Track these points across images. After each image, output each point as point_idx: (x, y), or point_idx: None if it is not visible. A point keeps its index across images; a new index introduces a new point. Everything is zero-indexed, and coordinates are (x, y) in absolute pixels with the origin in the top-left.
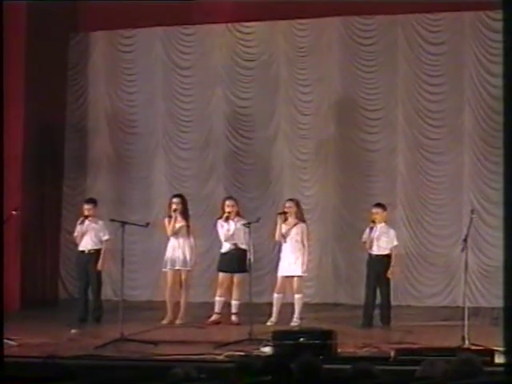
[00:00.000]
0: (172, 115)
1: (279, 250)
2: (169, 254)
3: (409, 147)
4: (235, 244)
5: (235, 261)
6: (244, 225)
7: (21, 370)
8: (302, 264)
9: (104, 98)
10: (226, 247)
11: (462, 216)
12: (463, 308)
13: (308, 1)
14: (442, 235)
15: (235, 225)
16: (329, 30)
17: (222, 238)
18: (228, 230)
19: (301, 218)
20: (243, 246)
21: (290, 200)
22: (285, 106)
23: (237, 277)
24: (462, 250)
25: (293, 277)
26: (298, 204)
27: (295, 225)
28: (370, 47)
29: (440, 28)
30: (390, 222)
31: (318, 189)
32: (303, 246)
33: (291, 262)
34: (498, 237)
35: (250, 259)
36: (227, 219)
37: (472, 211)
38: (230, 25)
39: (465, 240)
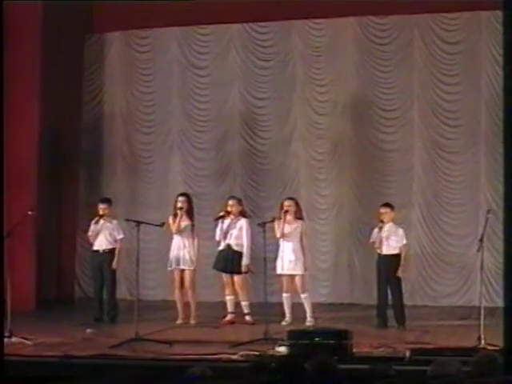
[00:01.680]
0: (188, 115)
1: (277, 249)
2: (173, 253)
3: (425, 147)
4: (228, 245)
5: (228, 261)
6: (258, 224)
7: (36, 370)
8: (303, 262)
9: (120, 97)
10: (221, 246)
11: (479, 215)
12: (479, 308)
13: (324, 1)
14: (458, 235)
15: (232, 225)
16: (344, 29)
17: (216, 237)
18: (221, 230)
19: (300, 216)
20: (236, 248)
21: (290, 199)
22: (301, 105)
23: (236, 278)
24: (478, 249)
25: (294, 276)
26: (297, 203)
27: (295, 223)
28: (385, 47)
29: (456, 27)
30: (406, 222)
31: (334, 188)
32: (302, 244)
33: (291, 260)
34: None
35: (265, 258)
36: (221, 218)
37: (488, 211)
38: (245, 24)
39: (481, 240)
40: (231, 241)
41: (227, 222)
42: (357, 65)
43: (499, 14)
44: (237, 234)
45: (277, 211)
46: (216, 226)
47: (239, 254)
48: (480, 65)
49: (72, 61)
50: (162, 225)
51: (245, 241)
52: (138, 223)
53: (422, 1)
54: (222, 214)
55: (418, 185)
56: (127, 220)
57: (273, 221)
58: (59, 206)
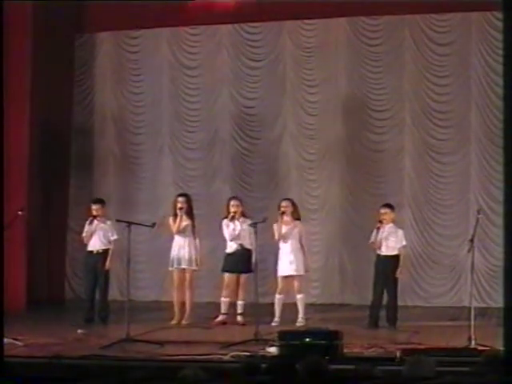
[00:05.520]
0: (178, 115)
1: (277, 251)
2: (174, 252)
3: (416, 147)
4: (241, 244)
5: (241, 261)
6: (250, 225)
7: (26, 370)
8: (303, 263)
9: (110, 98)
10: (231, 247)
11: (469, 216)
12: (470, 308)
13: (315, 1)
14: (448, 235)
15: (241, 225)
16: (335, 30)
17: (228, 237)
18: (234, 230)
19: (297, 216)
20: (249, 247)
21: (286, 200)
22: (291, 106)
23: (243, 277)
24: (469, 250)
25: (293, 276)
26: (293, 203)
27: (293, 224)
28: (376, 47)
29: (447, 28)
30: (397, 223)
31: (325, 189)
32: (301, 244)
33: (292, 261)
34: None
35: (256, 259)
36: (233, 219)
37: (478, 211)
38: (236, 25)
39: (471, 240)
40: (243, 241)
41: (237, 222)
42: (348, 65)
43: (489, 15)
44: (244, 233)
45: (268, 211)
46: (221, 226)
47: (250, 253)
48: (470, 66)
49: (62, 61)
50: (152, 225)
51: (254, 239)
52: (129, 224)
53: (412, 2)
54: (232, 214)
55: (408, 185)
56: (118, 220)
57: (264, 221)
58: (50, 206)
